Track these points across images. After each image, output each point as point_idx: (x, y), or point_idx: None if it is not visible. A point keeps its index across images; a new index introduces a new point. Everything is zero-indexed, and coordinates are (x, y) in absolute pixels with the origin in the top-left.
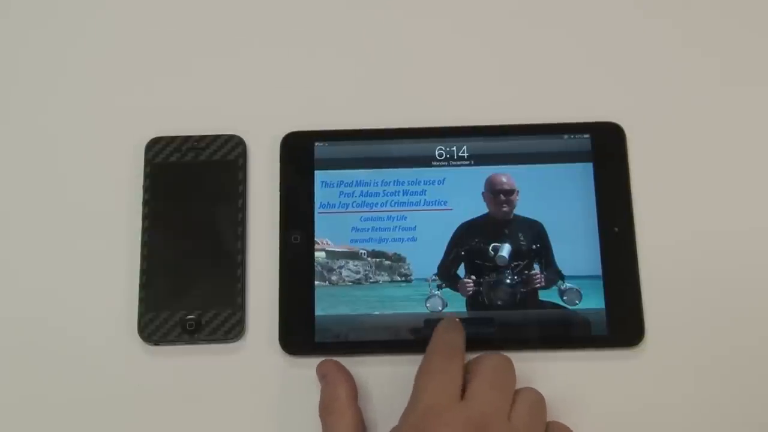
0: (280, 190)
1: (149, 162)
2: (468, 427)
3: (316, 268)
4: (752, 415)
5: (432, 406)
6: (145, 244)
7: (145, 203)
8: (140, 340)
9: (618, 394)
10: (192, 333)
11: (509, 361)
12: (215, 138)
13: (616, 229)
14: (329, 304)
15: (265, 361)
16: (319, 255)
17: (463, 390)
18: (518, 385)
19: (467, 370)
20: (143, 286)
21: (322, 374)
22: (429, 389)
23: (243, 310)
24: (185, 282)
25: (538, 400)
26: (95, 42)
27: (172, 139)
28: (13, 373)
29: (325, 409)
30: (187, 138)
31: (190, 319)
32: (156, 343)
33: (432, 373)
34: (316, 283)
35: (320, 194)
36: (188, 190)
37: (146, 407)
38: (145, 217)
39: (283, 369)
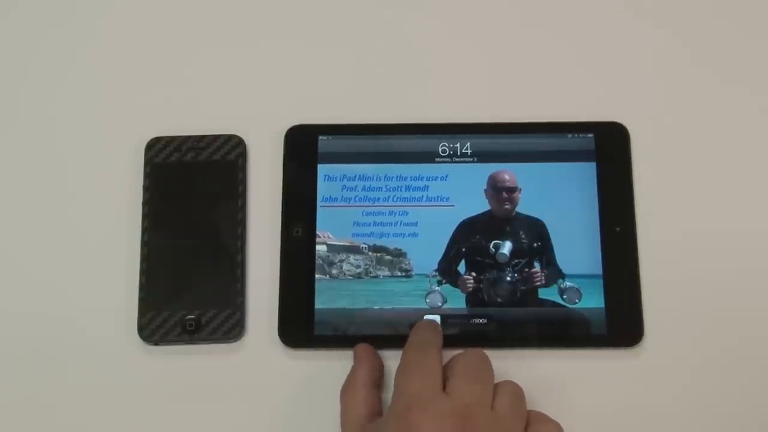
0: (283, 183)
1: (149, 162)
2: (453, 418)
3: (317, 262)
4: (751, 415)
5: (415, 399)
6: (145, 244)
7: (145, 203)
8: (140, 340)
9: (616, 393)
10: (192, 333)
11: (485, 356)
12: (215, 138)
13: (618, 228)
14: (329, 297)
15: (265, 361)
16: (321, 248)
17: (444, 387)
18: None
19: (445, 369)
20: (143, 286)
21: (354, 356)
22: (410, 384)
23: (243, 310)
24: (185, 282)
25: (518, 391)
26: (95, 42)
27: (172, 139)
28: (13, 373)
29: (342, 389)
30: (187, 138)
31: (190, 319)
32: (156, 343)
33: (411, 369)
34: (317, 276)
35: (323, 188)
36: (188, 190)
37: (146, 407)
38: (145, 217)
39: (283, 367)
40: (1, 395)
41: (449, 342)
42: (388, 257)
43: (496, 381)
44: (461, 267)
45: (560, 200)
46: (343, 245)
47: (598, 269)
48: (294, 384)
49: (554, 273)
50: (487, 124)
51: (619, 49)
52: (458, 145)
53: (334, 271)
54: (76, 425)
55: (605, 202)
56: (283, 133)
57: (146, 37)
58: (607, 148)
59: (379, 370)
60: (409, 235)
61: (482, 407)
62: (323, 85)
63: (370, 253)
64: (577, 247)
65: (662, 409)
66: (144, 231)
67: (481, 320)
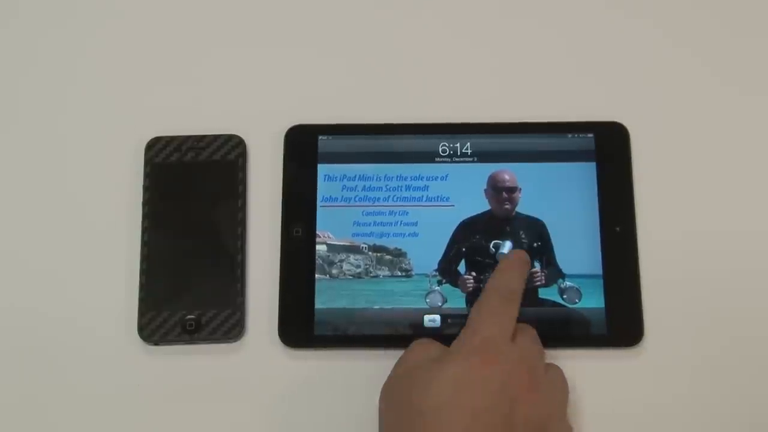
0: (283, 183)
1: (149, 162)
2: (522, 364)
3: (317, 261)
4: (750, 415)
5: (490, 339)
6: (145, 244)
7: (145, 203)
8: (140, 340)
9: (616, 394)
10: (192, 333)
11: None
12: (215, 138)
13: (618, 228)
14: (329, 297)
15: (265, 361)
16: (321, 248)
17: None
18: None
19: None
20: (143, 286)
21: None
22: (486, 324)
23: (243, 310)
24: (185, 282)
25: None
26: (95, 43)
27: (172, 139)
28: (13, 372)
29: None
30: (187, 138)
31: (190, 319)
32: (156, 343)
33: (490, 313)
34: (317, 276)
35: (323, 188)
36: (188, 190)
37: (146, 407)
38: (145, 217)
39: (283, 367)
40: (0, 395)
41: (449, 342)
42: (388, 257)
43: None
44: (461, 267)
45: (560, 200)
46: (343, 245)
47: (598, 269)
48: (294, 384)
49: (554, 273)
50: (487, 124)
51: (619, 49)
52: (458, 145)
53: (334, 271)
54: (76, 425)
55: (605, 202)
56: (283, 133)
57: (146, 37)
58: (607, 148)
59: None
60: (409, 235)
61: (542, 367)
62: (323, 85)
63: (370, 253)
64: (577, 247)
65: (662, 409)
66: (144, 231)
67: None
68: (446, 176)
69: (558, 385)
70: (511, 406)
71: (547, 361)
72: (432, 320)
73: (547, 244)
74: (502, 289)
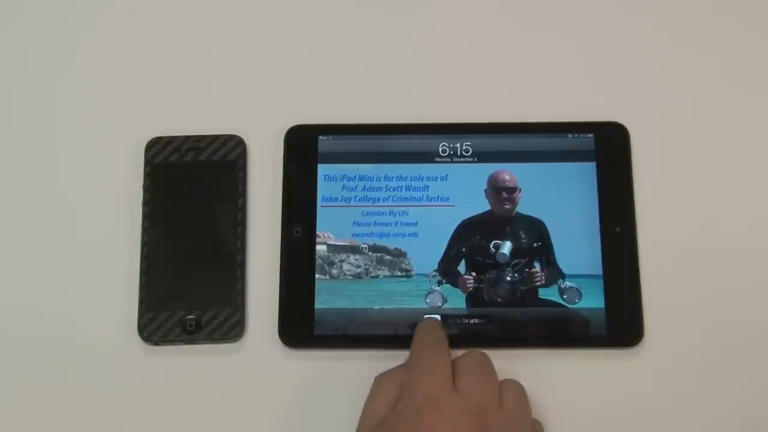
0: (283, 183)
1: (149, 162)
2: (468, 416)
3: (317, 262)
4: (750, 416)
5: (429, 397)
6: (145, 244)
7: (145, 203)
8: (140, 340)
9: (616, 394)
10: (192, 333)
11: (488, 357)
12: (215, 138)
13: (618, 228)
14: (329, 297)
15: (265, 361)
16: (321, 248)
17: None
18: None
19: (452, 367)
20: (143, 286)
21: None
22: (423, 381)
23: (243, 310)
24: (185, 282)
25: (522, 390)
26: (95, 42)
27: (172, 139)
28: (13, 373)
29: (380, 376)
30: (187, 138)
31: (190, 319)
32: (156, 343)
33: (422, 366)
34: (317, 276)
35: (323, 188)
36: (188, 190)
37: (146, 407)
38: (145, 217)
39: (283, 367)
40: (1, 395)
41: (449, 342)
42: (388, 257)
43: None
44: (461, 267)
45: (560, 200)
46: (343, 245)
47: (598, 269)
48: (294, 384)
49: (554, 273)
50: (487, 124)
51: (619, 49)
52: (458, 145)
53: (334, 271)
54: (75, 425)
55: (605, 202)
56: (283, 133)
57: (146, 37)
58: (607, 148)
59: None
60: (409, 235)
61: (493, 405)
62: (323, 85)
63: (370, 253)
64: (577, 247)
65: (662, 409)
66: (144, 231)
67: (481, 320)
68: (446, 176)
69: (514, 412)
70: None
71: (543, 361)
72: None
73: (547, 244)
74: (427, 341)
